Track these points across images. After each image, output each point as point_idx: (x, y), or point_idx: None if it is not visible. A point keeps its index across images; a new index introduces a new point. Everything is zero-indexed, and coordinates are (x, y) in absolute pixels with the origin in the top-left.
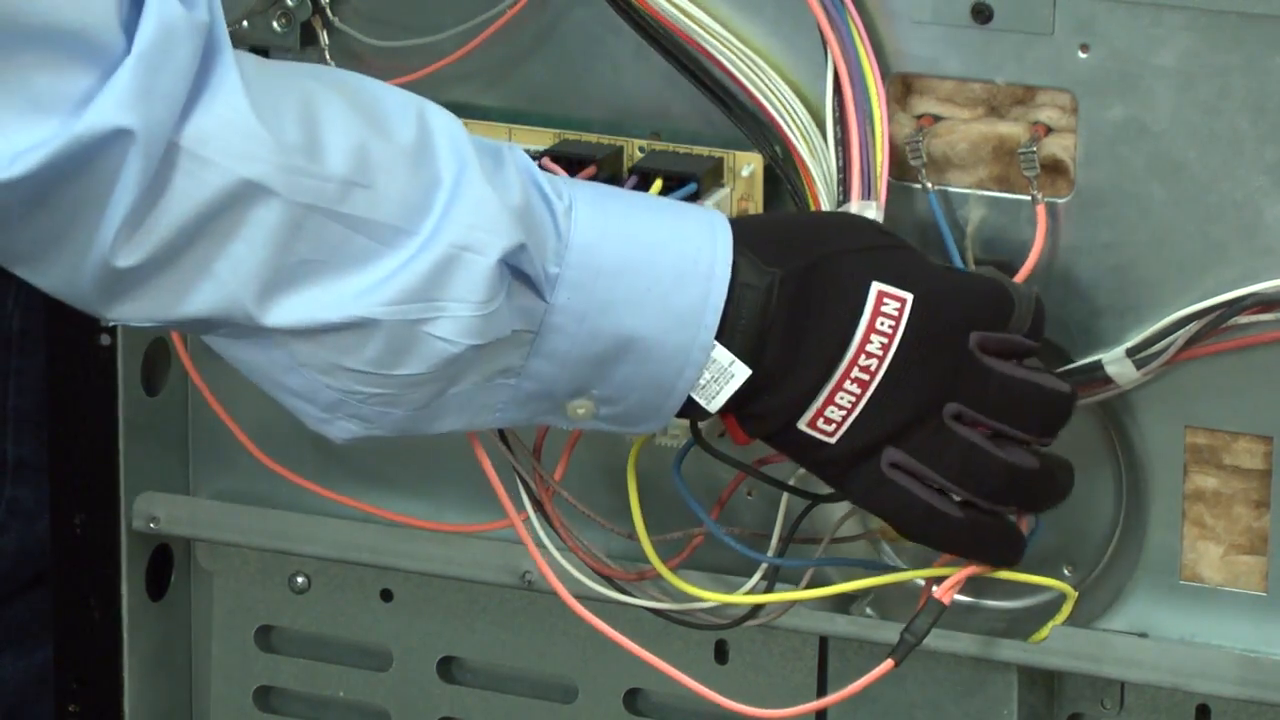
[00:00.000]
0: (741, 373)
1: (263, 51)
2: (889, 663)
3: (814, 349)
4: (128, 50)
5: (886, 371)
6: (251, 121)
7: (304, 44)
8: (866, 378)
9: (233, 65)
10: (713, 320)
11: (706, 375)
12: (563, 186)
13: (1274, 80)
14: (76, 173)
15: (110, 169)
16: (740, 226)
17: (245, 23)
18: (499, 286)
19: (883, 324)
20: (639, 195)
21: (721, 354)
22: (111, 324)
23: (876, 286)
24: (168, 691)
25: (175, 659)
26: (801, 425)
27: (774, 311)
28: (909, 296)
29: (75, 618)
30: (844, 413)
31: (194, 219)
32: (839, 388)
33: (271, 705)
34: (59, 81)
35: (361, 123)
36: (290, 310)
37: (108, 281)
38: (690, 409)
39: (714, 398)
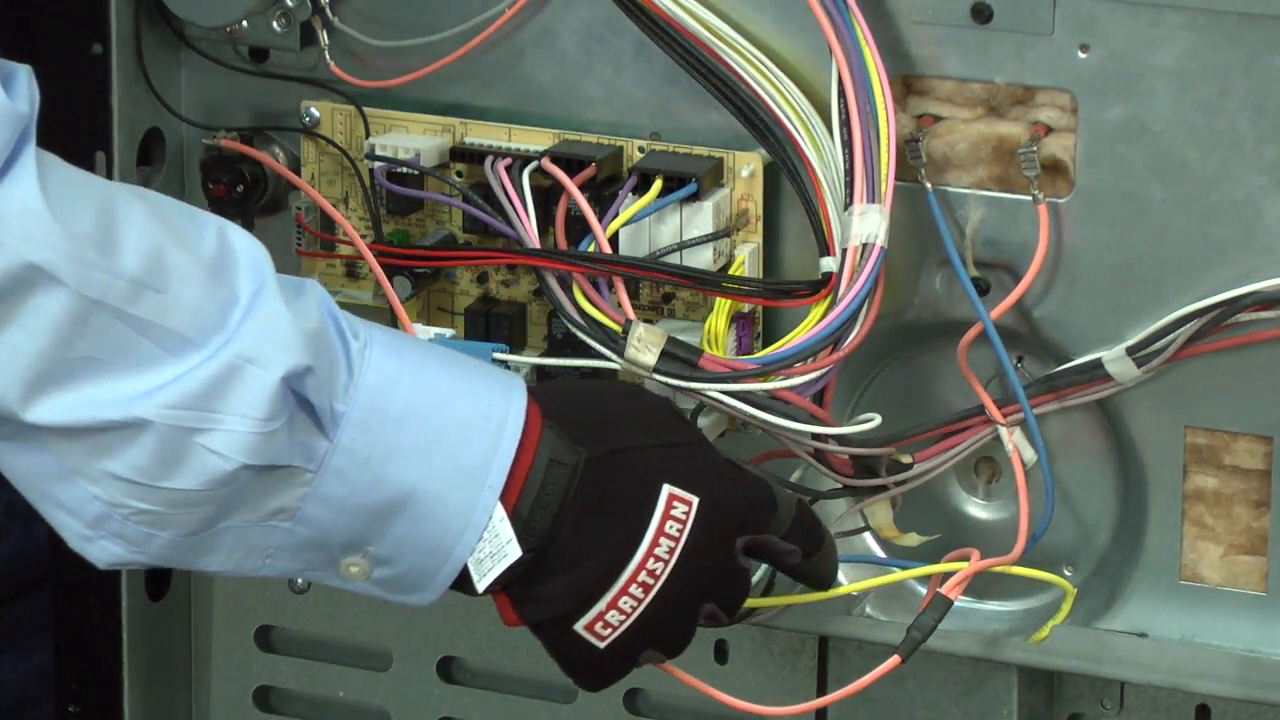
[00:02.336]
0: (514, 553)
1: (263, 52)
2: (895, 659)
3: (606, 547)
4: None
5: (668, 577)
6: (44, 208)
7: (304, 44)
8: (651, 582)
9: (33, 157)
10: (497, 480)
11: (485, 547)
12: (360, 327)
13: (1274, 80)
14: None
15: None
16: (547, 394)
17: (245, 23)
18: (281, 407)
19: (671, 528)
20: (439, 348)
21: (503, 526)
22: None
23: (668, 489)
24: (168, 691)
25: (175, 659)
26: (578, 627)
27: (574, 495)
28: (695, 500)
29: (75, 618)
30: (623, 618)
31: None
32: (624, 591)
33: (271, 705)
34: None
35: (161, 229)
36: (59, 407)
37: None
38: (464, 581)
39: (486, 574)
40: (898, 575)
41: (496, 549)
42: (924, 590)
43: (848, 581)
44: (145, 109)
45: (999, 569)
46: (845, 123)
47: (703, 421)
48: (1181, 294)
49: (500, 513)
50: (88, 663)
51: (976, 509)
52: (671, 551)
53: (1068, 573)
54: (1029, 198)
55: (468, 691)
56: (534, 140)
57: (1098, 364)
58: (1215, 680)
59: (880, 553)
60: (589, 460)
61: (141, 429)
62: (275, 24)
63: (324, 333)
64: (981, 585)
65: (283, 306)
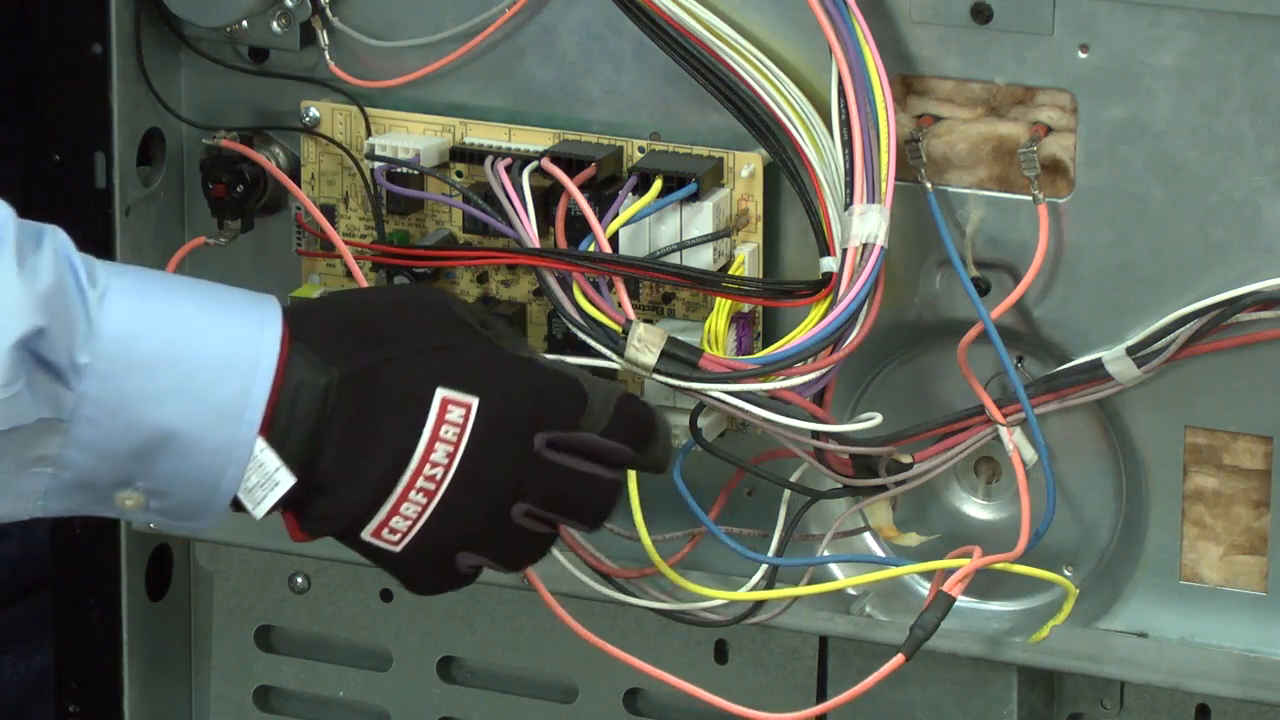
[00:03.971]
0: (286, 480)
1: (263, 52)
2: (900, 658)
3: (375, 458)
4: None
5: (452, 480)
6: None
7: (304, 44)
8: (432, 487)
9: None
10: (254, 416)
11: (253, 478)
12: (101, 274)
13: (1274, 80)
14: None
15: None
16: (300, 317)
17: (245, 23)
18: (17, 371)
19: (447, 432)
20: (190, 283)
21: (267, 456)
22: None
23: (441, 393)
24: (168, 691)
25: (175, 659)
26: (365, 535)
27: (330, 414)
28: (473, 401)
29: (75, 618)
30: (409, 523)
31: None
32: (404, 498)
33: (271, 705)
34: None
35: None
36: None
37: None
38: (243, 506)
39: (259, 503)
40: (899, 570)
41: (265, 478)
42: (924, 592)
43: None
44: (145, 109)
45: (1000, 567)
46: (845, 123)
47: (702, 421)
48: (1181, 294)
49: (261, 444)
50: (88, 663)
51: (976, 509)
52: (451, 456)
53: (1068, 572)
54: (1029, 198)
55: (468, 691)
56: (534, 140)
57: (1098, 364)
58: (1215, 680)
59: (880, 553)
60: (346, 376)
61: None
62: (275, 24)
63: (59, 290)
64: (982, 585)
65: (13, 271)
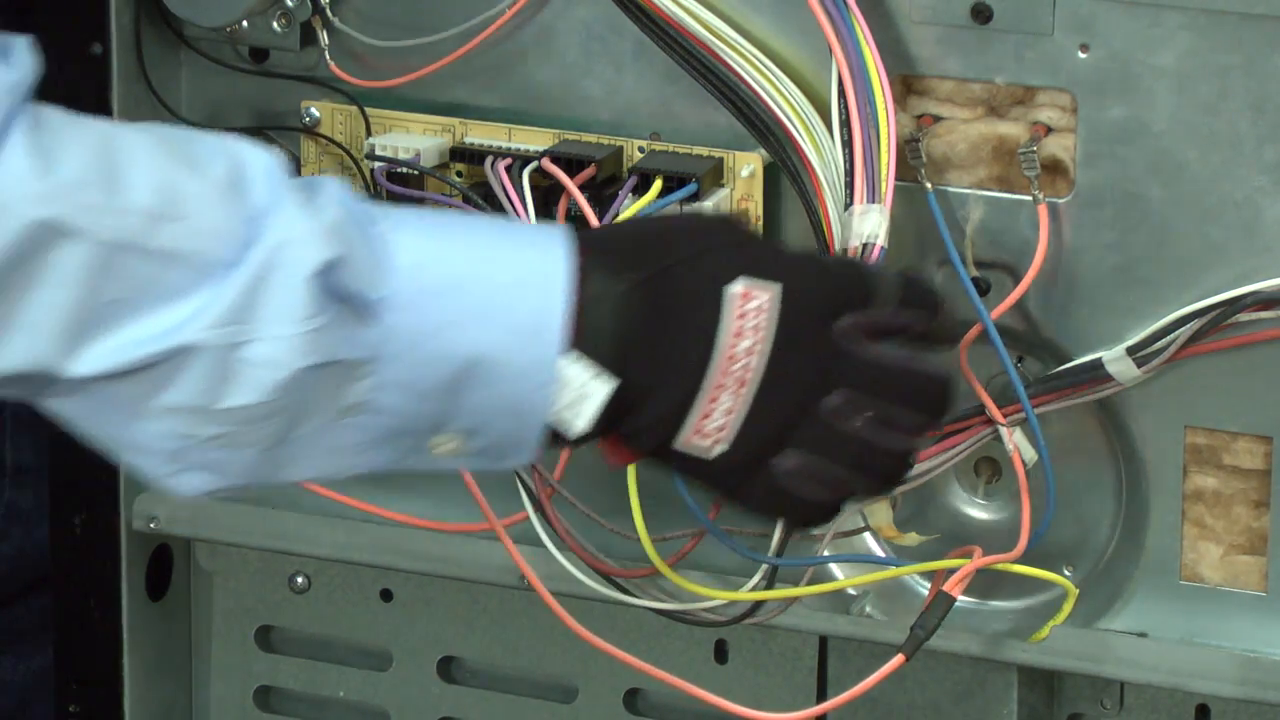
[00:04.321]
0: (601, 388)
1: (263, 52)
2: (900, 657)
3: (679, 357)
4: None
5: (761, 368)
6: (41, 165)
7: (304, 44)
8: (744, 376)
9: (27, 119)
10: (557, 332)
11: (566, 395)
12: (386, 210)
13: (1274, 80)
14: None
15: None
16: (585, 237)
17: (245, 23)
18: (319, 304)
19: (749, 322)
20: (470, 215)
21: (575, 370)
22: None
23: (737, 284)
24: (168, 691)
25: (175, 659)
26: (679, 444)
27: (631, 319)
28: (774, 288)
29: (75, 618)
30: (723, 420)
31: None
32: (715, 395)
33: (271, 705)
34: None
35: (168, 159)
36: (102, 355)
37: None
38: (559, 437)
39: (577, 418)
40: (899, 570)
41: (580, 393)
42: (923, 592)
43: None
44: (145, 109)
45: (1000, 567)
46: (845, 123)
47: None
48: (1181, 294)
49: (569, 359)
50: (88, 663)
51: (976, 509)
52: (759, 343)
53: (1068, 572)
54: (1029, 198)
55: (468, 691)
56: (534, 140)
57: (1098, 364)
58: (1215, 680)
59: (880, 553)
60: (642, 280)
61: (188, 355)
62: (275, 24)
63: (345, 223)
64: (982, 585)
65: (300, 210)
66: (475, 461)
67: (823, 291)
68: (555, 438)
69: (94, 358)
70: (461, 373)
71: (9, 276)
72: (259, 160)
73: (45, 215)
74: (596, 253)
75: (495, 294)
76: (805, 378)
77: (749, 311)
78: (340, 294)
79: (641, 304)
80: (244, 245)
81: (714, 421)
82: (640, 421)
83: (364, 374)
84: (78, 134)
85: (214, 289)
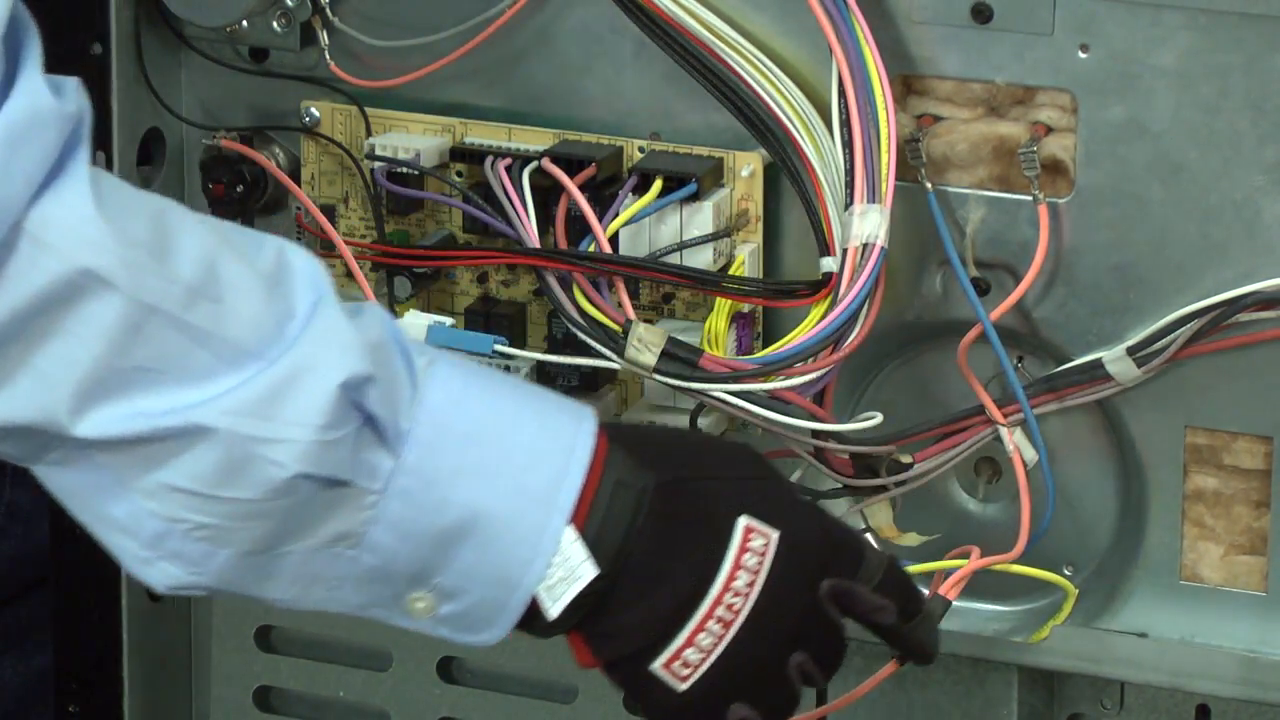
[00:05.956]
0: (589, 572)
1: (263, 52)
2: (894, 664)
3: (681, 571)
4: None
5: (749, 613)
6: (96, 214)
7: (304, 44)
8: (730, 617)
9: (86, 162)
10: (567, 502)
11: (556, 572)
12: (425, 347)
13: (1274, 80)
14: None
15: None
16: (616, 427)
17: (245, 23)
18: (341, 417)
19: (749, 560)
20: (506, 375)
21: (574, 548)
22: None
23: (745, 520)
24: (168, 692)
25: (175, 659)
26: (656, 666)
27: (644, 518)
28: (775, 534)
29: (75, 618)
30: (702, 656)
31: (26, 306)
32: (702, 626)
33: (271, 705)
34: None
35: (217, 240)
36: (112, 419)
37: None
38: (534, 617)
39: (559, 598)
40: None
41: (569, 573)
42: (924, 590)
43: None
44: (145, 109)
45: (1000, 567)
46: (845, 123)
47: (703, 422)
48: (1181, 294)
49: (571, 534)
50: (88, 663)
51: (976, 509)
52: (751, 585)
53: (1068, 572)
54: (1029, 198)
55: (468, 691)
56: (534, 140)
57: (1098, 364)
58: (1215, 680)
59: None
60: (660, 485)
61: (200, 436)
62: (275, 24)
63: (386, 345)
64: (982, 585)
65: (343, 320)
66: (445, 627)
67: (819, 549)
68: (528, 620)
69: (103, 420)
70: (462, 524)
71: (34, 320)
72: (306, 263)
73: (94, 264)
74: (623, 441)
75: (516, 451)
76: (782, 632)
77: (752, 549)
78: (365, 413)
79: (658, 505)
80: (275, 341)
81: (692, 654)
82: (619, 624)
83: (367, 504)
84: (134, 196)
85: (239, 376)
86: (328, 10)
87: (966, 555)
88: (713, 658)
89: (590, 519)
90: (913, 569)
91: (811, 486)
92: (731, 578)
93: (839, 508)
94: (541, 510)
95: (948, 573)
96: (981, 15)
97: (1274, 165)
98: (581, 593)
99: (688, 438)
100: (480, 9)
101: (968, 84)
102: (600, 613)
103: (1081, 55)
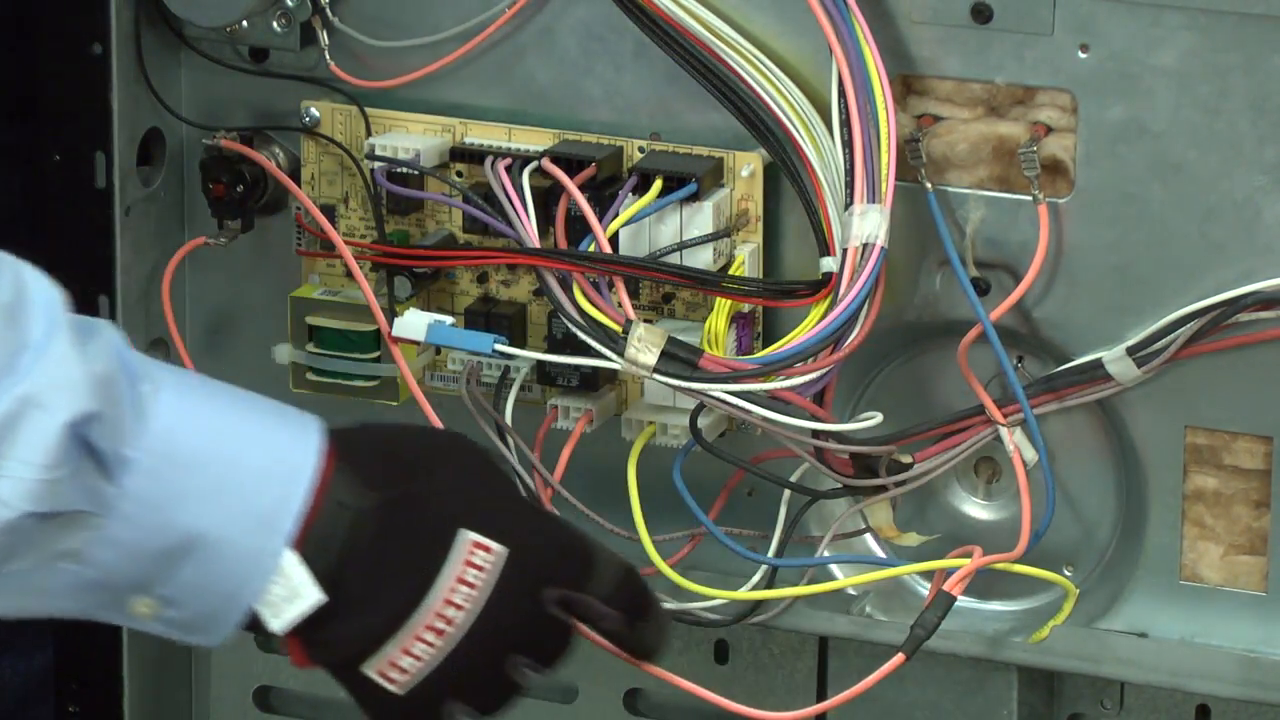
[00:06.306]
0: (311, 595)
1: (263, 52)
2: (900, 657)
3: (397, 588)
4: None
5: (467, 624)
6: None
7: (304, 44)
8: (447, 629)
9: None
10: (290, 527)
11: (276, 590)
12: (154, 370)
13: (1274, 80)
14: None
15: None
16: (345, 440)
17: (245, 23)
18: (65, 455)
19: (470, 574)
20: (239, 391)
21: (295, 569)
22: None
23: (470, 535)
24: (168, 691)
25: (175, 659)
26: (369, 669)
27: (362, 538)
28: (499, 548)
29: (75, 618)
30: (417, 664)
31: None
32: (417, 637)
33: (271, 705)
34: None
35: None
36: None
37: None
38: (256, 624)
39: (280, 615)
40: (899, 570)
41: (291, 593)
42: (923, 592)
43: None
44: (145, 109)
45: (1000, 567)
46: (845, 123)
47: (703, 421)
48: (1181, 294)
49: (292, 558)
50: (88, 663)
51: (977, 509)
52: (470, 600)
53: (1068, 572)
54: (1029, 198)
55: None
56: (534, 140)
57: (1098, 364)
58: (1215, 680)
59: (880, 553)
60: (381, 504)
61: None
62: (275, 24)
63: (113, 377)
64: (982, 585)
65: (72, 350)
66: (166, 629)
67: (545, 562)
68: (253, 625)
69: None
70: (184, 545)
71: None
72: (44, 292)
73: None
74: (347, 457)
75: (240, 476)
76: (503, 640)
77: (474, 564)
78: (89, 447)
79: (375, 526)
80: (7, 373)
81: (405, 662)
82: (335, 632)
83: (91, 525)
84: None
85: None
86: (328, 10)
87: (968, 555)
88: (429, 666)
89: (308, 541)
90: (913, 569)
91: (811, 486)
92: (450, 592)
93: (839, 508)
94: (264, 534)
95: (948, 572)
96: (981, 15)
97: (1274, 165)
98: (305, 612)
99: (417, 443)
100: (480, 9)
101: (968, 84)
102: (318, 623)
103: (1081, 55)
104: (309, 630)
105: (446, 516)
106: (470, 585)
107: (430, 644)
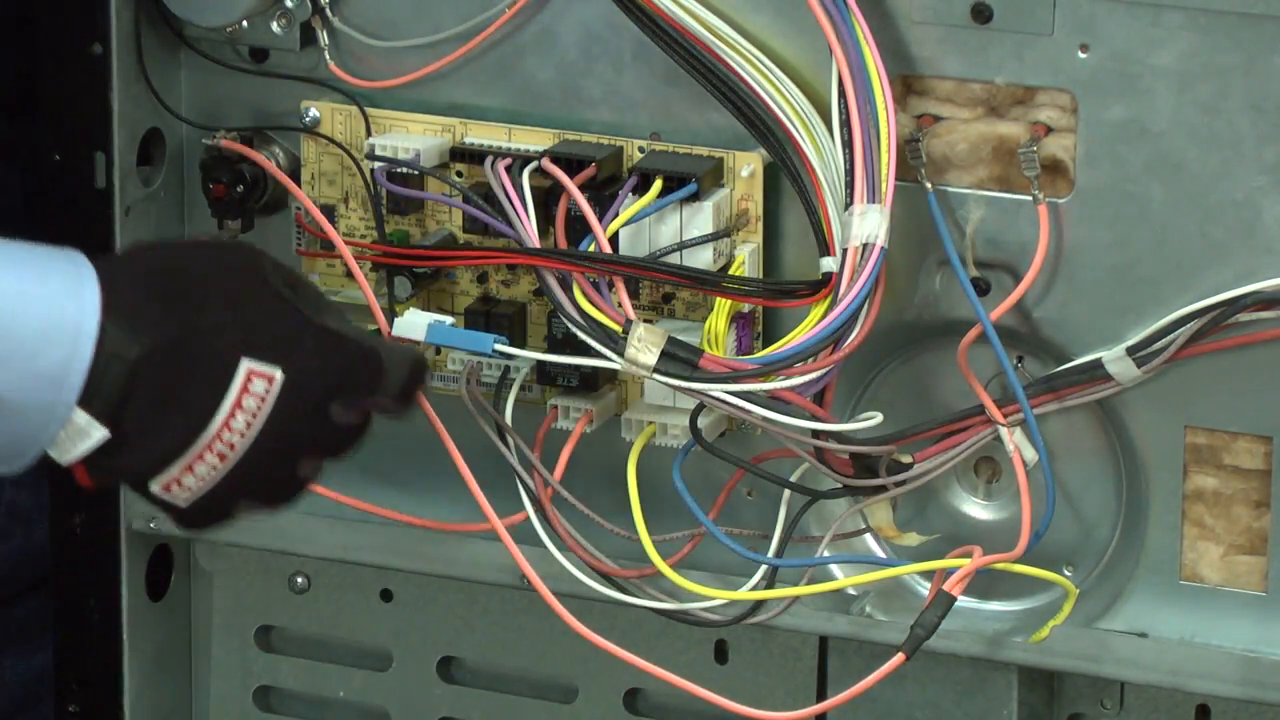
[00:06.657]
0: (97, 434)
1: (263, 52)
2: (900, 656)
3: (174, 421)
4: None
5: (248, 446)
6: None
7: (304, 44)
8: (228, 452)
9: None
10: (76, 383)
11: (63, 433)
12: None
13: (1274, 80)
14: None
15: None
16: (114, 281)
17: (245, 23)
18: None
19: (248, 402)
20: (3, 249)
21: (80, 416)
22: None
23: (246, 364)
24: (168, 691)
25: (175, 659)
26: (155, 488)
27: (140, 380)
28: (276, 374)
29: (75, 618)
30: (200, 482)
31: None
32: (198, 459)
33: (271, 705)
34: None
35: None
36: None
37: None
38: (44, 458)
39: (67, 453)
40: (899, 570)
41: (77, 433)
42: (924, 592)
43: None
44: (145, 109)
45: (1000, 567)
46: (845, 123)
47: (703, 421)
48: (1181, 294)
49: (78, 411)
50: (88, 663)
51: (977, 509)
52: (250, 425)
53: (1068, 572)
54: (1029, 198)
55: (468, 691)
56: (534, 140)
57: (1098, 364)
58: (1215, 680)
59: (880, 553)
60: (155, 348)
61: None
62: (275, 24)
63: None
64: (982, 585)
65: None
66: None
67: (327, 379)
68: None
69: None
70: None
71: None
72: None
73: None
74: (121, 300)
75: (25, 342)
76: (286, 453)
77: (252, 392)
78: None
79: (150, 371)
80: None
81: (188, 481)
82: (116, 462)
83: None
84: None
85: None
86: (328, 10)
87: (968, 555)
88: (211, 483)
89: (87, 390)
90: (913, 569)
91: (811, 486)
92: (228, 419)
93: (839, 508)
94: (53, 392)
95: (948, 572)
96: (981, 15)
97: (1274, 165)
98: (91, 449)
99: (187, 271)
100: (480, 9)
101: (968, 84)
102: (101, 454)
103: (1081, 55)
104: (93, 460)
105: (221, 348)
106: (249, 412)
107: (212, 465)
